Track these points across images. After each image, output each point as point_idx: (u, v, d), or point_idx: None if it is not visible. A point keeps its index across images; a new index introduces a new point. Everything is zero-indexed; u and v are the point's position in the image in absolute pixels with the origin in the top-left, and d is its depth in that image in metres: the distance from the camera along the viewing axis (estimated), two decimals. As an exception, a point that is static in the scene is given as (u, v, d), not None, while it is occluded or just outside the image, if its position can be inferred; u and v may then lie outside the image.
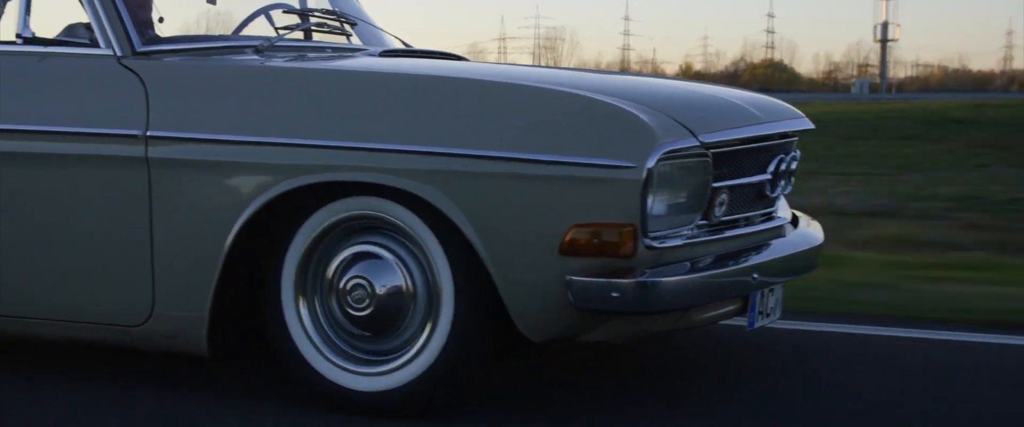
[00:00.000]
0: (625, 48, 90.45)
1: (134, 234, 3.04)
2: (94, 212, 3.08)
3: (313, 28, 3.83)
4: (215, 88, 3.05)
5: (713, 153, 2.85)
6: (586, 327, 2.83)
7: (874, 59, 76.96)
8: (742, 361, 3.55)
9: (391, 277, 2.90)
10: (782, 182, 3.19)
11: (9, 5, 3.43)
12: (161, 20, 3.64)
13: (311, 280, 2.99)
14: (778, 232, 3.23)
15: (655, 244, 2.72)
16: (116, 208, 3.05)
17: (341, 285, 2.94)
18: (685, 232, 2.84)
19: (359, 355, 2.97)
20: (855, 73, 78.87)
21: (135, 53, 3.13)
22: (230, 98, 3.00)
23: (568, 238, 2.68)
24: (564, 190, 2.69)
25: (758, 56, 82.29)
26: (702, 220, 2.90)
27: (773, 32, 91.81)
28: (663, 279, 2.70)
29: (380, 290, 2.90)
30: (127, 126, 3.01)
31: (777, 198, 3.26)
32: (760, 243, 3.12)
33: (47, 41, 3.23)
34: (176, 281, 3.02)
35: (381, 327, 2.92)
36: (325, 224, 2.94)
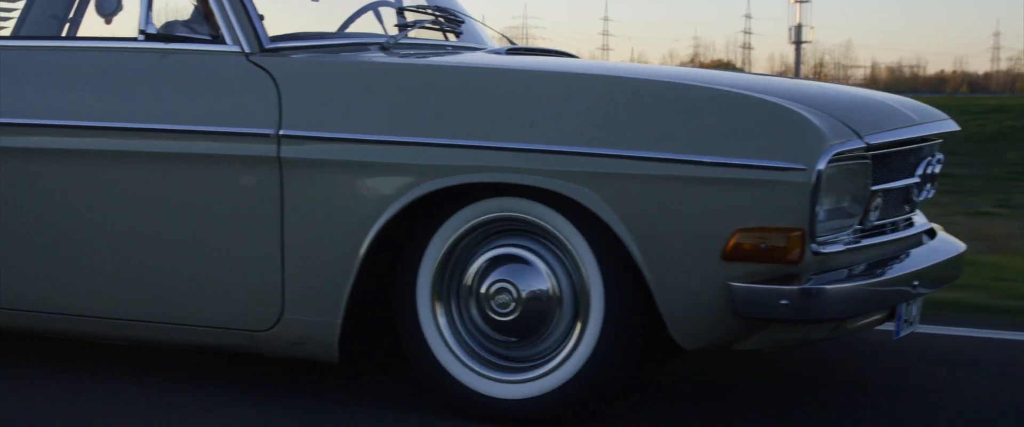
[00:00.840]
0: (605, 48, 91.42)
1: (264, 236, 2.94)
2: (221, 213, 2.99)
3: (427, 26, 3.73)
4: (350, 85, 2.94)
5: (871, 155, 2.74)
6: (743, 335, 2.72)
7: (829, 60, 77.05)
8: (888, 369, 3.45)
9: (537, 281, 2.80)
10: (927, 185, 3.08)
11: (128, 1, 3.35)
12: (261, 18, 3.57)
13: (448, 284, 2.89)
14: (918, 239, 3.12)
15: (821, 249, 2.62)
16: (245, 209, 2.96)
17: (482, 289, 2.84)
18: (844, 237, 2.73)
19: (500, 361, 2.87)
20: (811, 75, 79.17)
21: (263, 50, 3.04)
22: (367, 96, 2.90)
23: (732, 243, 2.58)
24: (728, 193, 2.59)
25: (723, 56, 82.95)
26: (857, 225, 2.79)
27: (750, 32, 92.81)
28: (829, 287, 2.60)
29: (525, 294, 2.80)
30: (258, 125, 2.92)
31: (919, 203, 3.15)
32: (905, 249, 3.02)
33: (168, 38, 3.14)
34: (308, 285, 2.92)
35: (526, 332, 2.82)
36: (465, 227, 2.84)
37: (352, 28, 3.79)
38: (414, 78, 2.96)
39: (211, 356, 3.42)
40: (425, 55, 3.30)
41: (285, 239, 2.93)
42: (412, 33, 3.63)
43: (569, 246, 2.75)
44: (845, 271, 2.71)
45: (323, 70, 3.02)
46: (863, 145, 2.68)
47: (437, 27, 3.72)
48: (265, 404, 3.08)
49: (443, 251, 2.86)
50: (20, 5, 4.35)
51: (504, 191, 2.78)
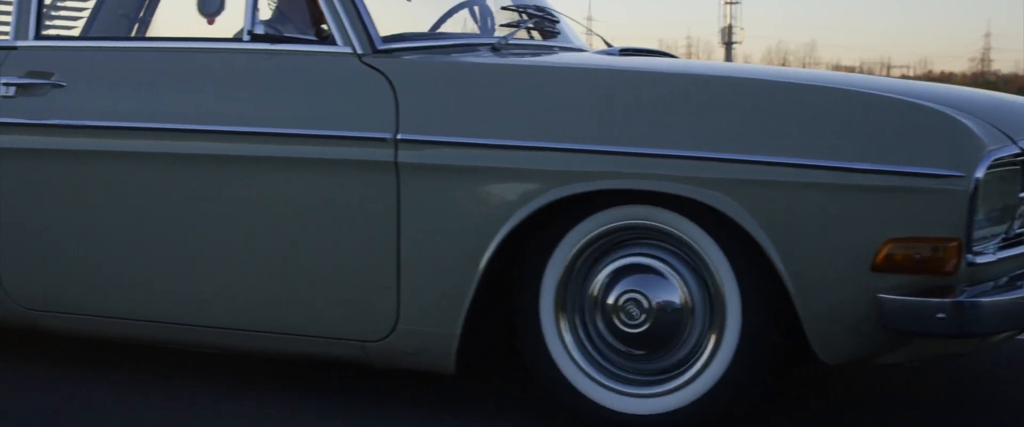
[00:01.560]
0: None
1: (379, 243, 2.84)
2: (333, 219, 2.88)
3: (529, 27, 3.62)
4: (471, 88, 2.84)
5: (1021, 161, 2.63)
6: (888, 349, 2.61)
7: (793, 61, 77.07)
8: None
9: (668, 291, 2.69)
10: None
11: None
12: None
13: (572, 295, 2.79)
14: None
15: (975, 260, 2.50)
16: (359, 215, 2.86)
17: (610, 300, 2.74)
18: (991, 247, 2.62)
19: (629, 375, 2.76)
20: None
21: (375, 51, 2.94)
22: (489, 98, 2.80)
23: (882, 253, 2.47)
24: (879, 201, 2.47)
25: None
26: (1004, 234, 2.68)
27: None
28: (985, 299, 2.48)
29: (657, 305, 2.69)
30: (374, 128, 2.82)
31: None
32: None
33: (275, 38, 3.04)
34: (425, 294, 2.82)
35: (657, 345, 2.71)
36: (591, 235, 2.73)
37: (442, 28, 3.71)
38: (538, 80, 2.85)
39: (319, 368, 3.32)
40: (538, 56, 3.20)
41: (401, 247, 2.83)
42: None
43: (703, 255, 2.65)
44: (990, 283, 2.60)
45: (441, 72, 2.92)
46: (1018, 150, 2.57)
47: (538, 28, 3.61)
48: (384, 415, 2.98)
49: (567, 260, 2.75)
50: (90, 4, 4.27)
51: (635, 198, 2.67)
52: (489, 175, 2.73)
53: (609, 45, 3.80)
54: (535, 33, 3.66)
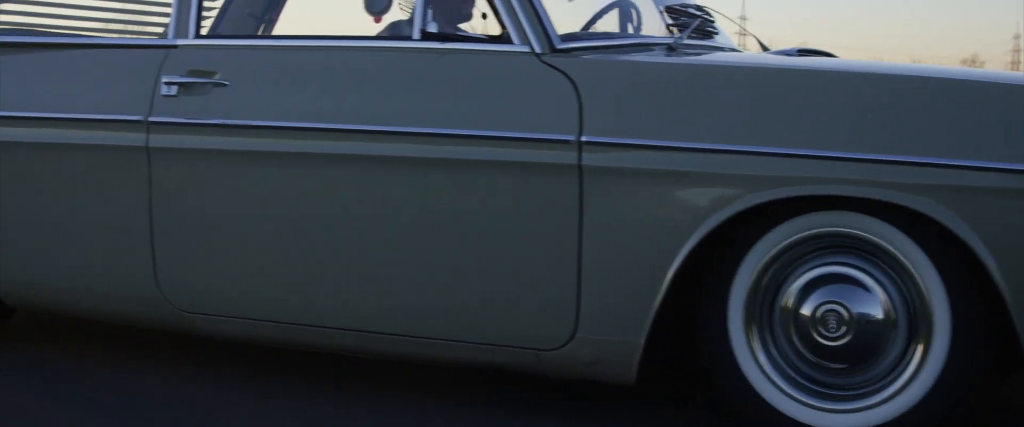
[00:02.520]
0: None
1: (559, 249, 2.75)
2: (511, 223, 2.80)
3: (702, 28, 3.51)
4: (657, 88, 2.74)
5: None
6: None
7: None
8: None
9: (869, 302, 2.58)
10: None
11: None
12: (484, 16, 3.39)
13: (762, 306, 2.68)
14: None
15: None
16: (538, 219, 2.77)
17: (805, 311, 2.63)
18: None
19: (825, 390, 2.65)
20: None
21: (554, 50, 2.85)
22: (678, 100, 2.70)
23: None
24: None
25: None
26: None
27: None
28: None
29: (858, 316, 2.58)
30: (556, 130, 2.73)
31: None
32: None
33: (447, 37, 2.97)
34: (607, 303, 2.73)
35: (858, 358, 2.60)
36: (784, 243, 2.63)
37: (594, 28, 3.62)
38: (728, 82, 2.75)
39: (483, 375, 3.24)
40: (718, 57, 3.09)
41: (583, 252, 2.74)
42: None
43: (907, 264, 2.53)
44: None
45: (624, 72, 2.82)
46: None
47: (701, 29, 3.50)
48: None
49: (758, 269, 2.65)
50: (218, 4, 4.24)
51: (834, 205, 2.56)
52: (680, 179, 2.63)
53: (764, 46, 3.69)
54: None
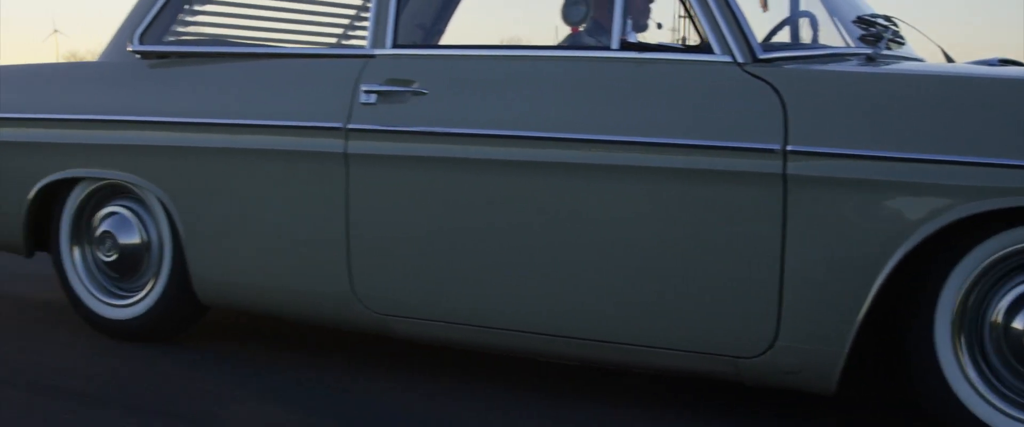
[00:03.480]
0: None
1: (761, 257, 2.77)
2: (713, 232, 2.83)
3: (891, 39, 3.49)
4: (863, 98, 2.74)
5: None
6: None
7: None
8: None
9: None
10: None
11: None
12: (660, 26, 3.42)
13: (971, 320, 2.66)
14: None
15: None
16: (741, 228, 2.79)
17: (1014, 325, 2.60)
18: None
19: None
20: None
21: (756, 60, 2.87)
22: (886, 110, 2.70)
23: None
24: None
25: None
26: None
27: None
28: None
29: None
30: (761, 139, 2.75)
31: None
32: None
33: (646, 47, 3.01)
34: (809, 312, 2.74)
35: None
36: (996, 255, 2.61)
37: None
38: (939, 91, 2.73)
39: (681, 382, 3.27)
40: (920, 67, 3.08)
41: (786, 261, 2.75)
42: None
43: None
44: None
45: (829, 81, 2.82)
46: None
47: (893, 39, 3.49)
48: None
49: (968, 282, 2.63)
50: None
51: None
52: (889, 189, 2.63)
53: (949, 57, 3.65)
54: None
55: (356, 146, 3.26)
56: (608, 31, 3.10)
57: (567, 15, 3.17)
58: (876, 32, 3.26)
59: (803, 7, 3.68)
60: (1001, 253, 2.60)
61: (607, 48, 3.04)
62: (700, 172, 2.81)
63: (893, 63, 3.09)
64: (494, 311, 3.14)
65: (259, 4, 4.06)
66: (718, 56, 2.90)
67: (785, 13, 3.67)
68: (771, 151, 2.73)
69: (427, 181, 3.18)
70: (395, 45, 3.36)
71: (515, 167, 3.04)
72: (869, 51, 3.12)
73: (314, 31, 4.23)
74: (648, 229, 2.89)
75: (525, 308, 3.09)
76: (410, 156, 3.19)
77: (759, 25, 3.61)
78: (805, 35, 3.63)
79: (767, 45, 2.94)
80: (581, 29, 3.36)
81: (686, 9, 2.97)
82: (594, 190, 2.95)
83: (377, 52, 3.35)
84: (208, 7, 3.89)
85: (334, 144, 3.29)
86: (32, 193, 3.89)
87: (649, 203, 2.89)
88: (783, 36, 3.63)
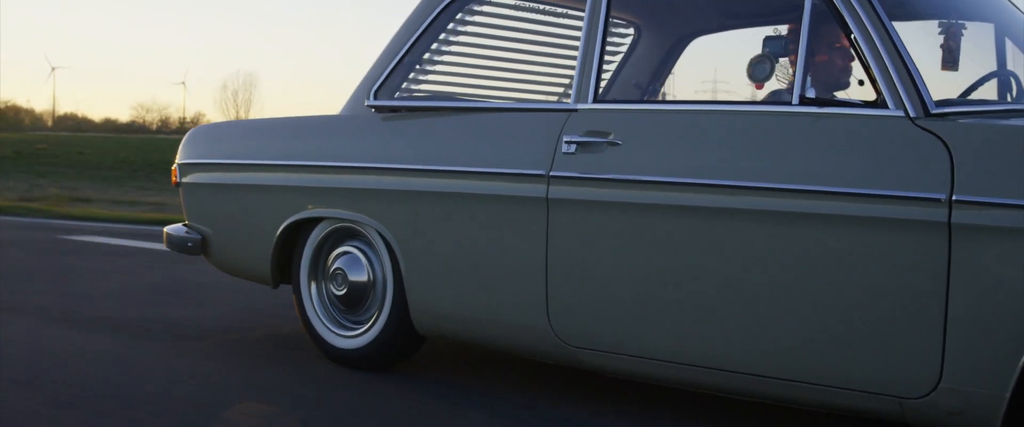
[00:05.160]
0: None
1: (927, 300, 2.89)
2: (882, 275, 2.97)
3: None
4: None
5: None
6: None
7: None
8: None
9: None
10: None
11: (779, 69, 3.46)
12: (861, 83, 3.55)
13: None
14: None
15: None
16: (908, 273, 2.93)
17: None
18: None
19: None
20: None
21: (929, 114, 3.02)
22: None
23: None
24: None
25: None
26: None
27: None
28: None
29: None
30: (928, 189, 2.89)
31: None
32: None
33: (825, 102, 3.20)
34: (973, 355, 2.84)
35: None
36: None
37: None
38: None
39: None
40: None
41: (950, 305, 2.87)
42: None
43: None
44: None
45: (996, 135, 2.93)
46: None
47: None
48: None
49: None
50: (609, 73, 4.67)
51: None
52: None
53: None
54: None
55: (557, 191, 3.57)
56: (817, 86, 3.29)
57: (753, 73, 3.39)
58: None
59: (1011, 64, 3.77)
60: None
61: (789, 103, 3.24)
62: (869, 219, 2.97)
63: None
64: (678, 348, 3.35)
65: (478, 64, 4.45)
66: (892, 111, 3.05)
67: (991, 69, 3.77)
68: (937, 200, 2.86)
69: (617, 225, 3.45)
70: (595, 100, 3.66)
71: (698, 213, 3.27)
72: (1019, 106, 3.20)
73: (531, 86, 4.59)
74: (821, 273, 3.06)
75: (706, 346, 3.29)
76: (603, 201, 3.47)
77: (957, 80, 3.76)
78: (1007, 92, 3.73)
79: (942, 101, 3.07)
80: (767, 87, 3.56)
81: (864, 67, 3.14)
82: (769, 234, 3.14)
83: (580, 106, 3.66)
84: (434, 67, 4.30)
85: (537, 189, 3.61)
86: (279, 230, 4.39)
87: (821, 248, 3.06)
88: (989, 92, 3.74)
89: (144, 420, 3.44)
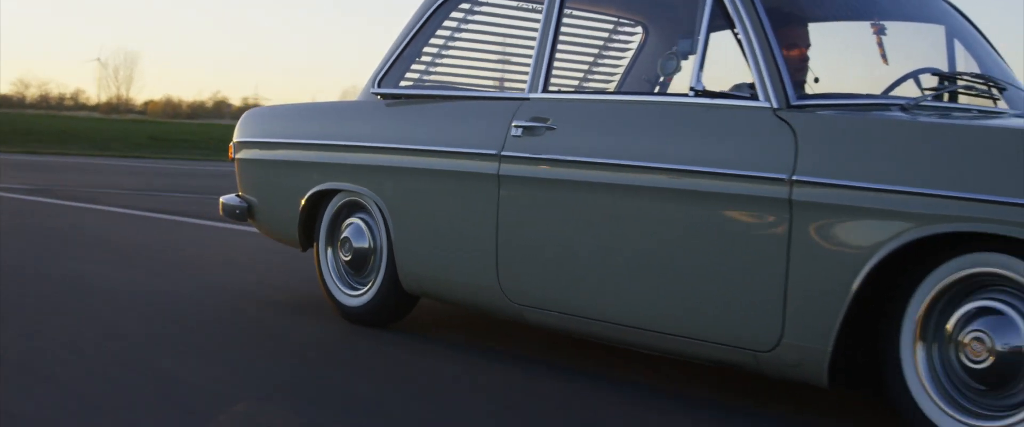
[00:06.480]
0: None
1: (772, 267, 3.33)
2: (733, 243, 3.43)
3: (961, 90, 3.92)
4: (864, 140, 3.25)
5: None
6: None
7: None
8: None
9: (1012, 333, 2.94)
10: None
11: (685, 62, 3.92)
12: (817, 80, 3.97)
13: (934, 327, 3.09)
14: None
15: None
16: (756, 242, 3.37)
17: (960, 338, 3.03)
18: None
19: (975, 408, 3.02)
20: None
21: (789, 106, 3.45)
22: (880, 149, 3.19)
23: None
24: None
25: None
26: None
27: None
28: None
29: (999, 345, 2.95)
30: (775, 170, 3.33)
31: None
32: None
33: (713, 94, 3.65)
34: (804, 315, 3.27)
35: (999, 383, 2.97)
36: (949, 279, 3.04)
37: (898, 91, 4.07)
38: (914, 134, 3.20)
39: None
40: (939, 116, 3.50)
41: (789, 272, 3.30)
42: (951, 98, 3.85)
43: None
44: None
45: (838, 124, 3.35)
46: None
47: (974, 93, 3.89)
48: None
49: (930, 296, 3.07)
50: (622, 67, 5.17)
51: (985, 246, 2.95)
52: (864, 213, 3.13)
53: None
54: (995, 101, 3.95)
55: (506, 169, 4.12)
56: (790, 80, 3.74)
57: (662, 68, 3.87)
58: (941, 87, 3.72)
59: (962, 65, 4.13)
60: (954, 277, 3.02)
61: (686, 94, 3.71)
62: (734, 196, 3.42)
63: (928, 114, 3.52)
64: (595, 307, 3.87)
65: (469, 56, 5.01)
66: (760, 102, 3.50)
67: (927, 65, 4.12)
68: (781, 180, 3.30)
69: (551, 199, 3.98)
70: (544, 90, 4.19)
71: (607, 188, 3.77)
72: (904, 102, 3.58)
73: (515, 76, 5.13)
74: (696, 242, 3.53)
75: (615, 304, 3.79)
76: (540, 178, 4.01)
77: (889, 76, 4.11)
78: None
79: (804, 94, 3.50)
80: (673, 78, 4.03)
81: (747, 62, 3.60)
82: (660, 208, 3.63)
83: (531, 95, 4.20)
84: (430, 59, 4.90)
85: (491, 167, 4.16)
86: (303, 200, 5.05)
87: (697, 220, 3.53)
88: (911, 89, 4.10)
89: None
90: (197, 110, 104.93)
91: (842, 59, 4.38)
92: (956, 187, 2.97)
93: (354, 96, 5.16)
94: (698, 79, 3.67)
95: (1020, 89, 4.08)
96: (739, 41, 3.65)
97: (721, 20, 3.73)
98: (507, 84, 5.12)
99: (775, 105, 3.47)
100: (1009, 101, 4.01)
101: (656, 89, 5.15)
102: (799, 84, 4.01)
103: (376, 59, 4.98)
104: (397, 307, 4.81)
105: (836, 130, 3.33)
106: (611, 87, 5.40)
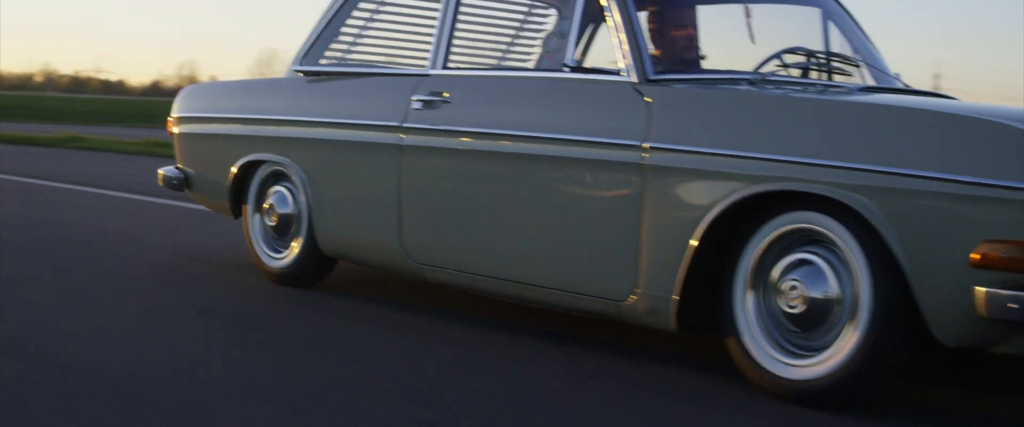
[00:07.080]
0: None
1: (628, 224, 3.72)
2: (595, 204, 3.82)
3: (833, 69, 4.29)
4: (706, 110, 3.64)
5: None
6: (996, 338, 3.06)
7: None
8: None
9: (823, 283, 3.33)
10: None
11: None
12: (704, 58, 4.35)
13: (763, 277, 3.48)
14: None
15: None
16: (615, 203, 3.76)
17: (779, 286, 3.43)
18: None
19: (791, 347, 3.42)
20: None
21: (647, 81, 3.84)
22: (718, 118, 3.58)
23: (979, 252, 2.96)
24: (977, 207, 2.98)
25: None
26: None
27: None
28: None
29: (816, 293, 3.34)
30: (632, 137, 3.71)
31: None
32: None
33: (585, 70, 4.04)
34: (653, 266, 3.65)
35: (810, 325, 3.37)
36: (775, 234, 3.42)
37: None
38: (750, 105, 3.60)
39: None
40: (783, 90, 3.87)
41: (642, 228, 3.68)
42: (816, 74, 4.23)
43: (846, 252, 3.26)
44: None
45: (685, 97, 3.74)
46: None
47: (833, 70, 4.28)
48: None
49: (760, 249, 3.46)
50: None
51: (806, 205, 3.34)
52: (703, 176, 3.52)
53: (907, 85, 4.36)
54: (832, 74, 4.33)
55: (407, 139, 4.49)
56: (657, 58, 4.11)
57: (545, 45, 4.24)
58: (783, 63, 4.11)
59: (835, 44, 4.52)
60: (779, 231, 3.41)
61: (561, 70, 4.09)
62: (597, 162, 3.81)
63: (774, 88, 3.90)
64: (483, 262, 4.25)
65: (383, 35, 5.37)
66: (624, 77, 3.88)
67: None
68: (635, 146, 3.69)
69: (446, 166, 4.36)
70: (443, 66, 4.56)
71: (491, 156, 4.16)
72: (751, 76, 3.97)
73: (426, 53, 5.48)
74: (563, 203, 3.92)
75: (498, 260, 4.18)
76: (437, 147, 4.38)
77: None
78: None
79: (661, 70, 3.89)
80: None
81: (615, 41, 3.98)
82: (532, 173, 4.01)
83: (431, 72, 4.58)
84: (347, 41, 5.26)
85: (394, 138, 4.54)
86: (234, 170, 5.40)
87: (564, 183, 3.92)
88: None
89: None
90: (25, 82, 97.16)
91: (727, 39, 4.76)
92: (780, 151, 3.36)
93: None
94: (571, 56, 4.05)
95: (878, 68, 4.46)
96: (607, 22, 4.02)
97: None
98: (417, 62, 5.49)
99: (635, 80, 3.85)
100: (877, 79, 4.41)
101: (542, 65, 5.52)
102: (686, 64, 4.40)
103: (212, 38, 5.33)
104: (317, 269, 5.18)
105: (685, 102, 3.72)
106: (529, 65, 5.77)
